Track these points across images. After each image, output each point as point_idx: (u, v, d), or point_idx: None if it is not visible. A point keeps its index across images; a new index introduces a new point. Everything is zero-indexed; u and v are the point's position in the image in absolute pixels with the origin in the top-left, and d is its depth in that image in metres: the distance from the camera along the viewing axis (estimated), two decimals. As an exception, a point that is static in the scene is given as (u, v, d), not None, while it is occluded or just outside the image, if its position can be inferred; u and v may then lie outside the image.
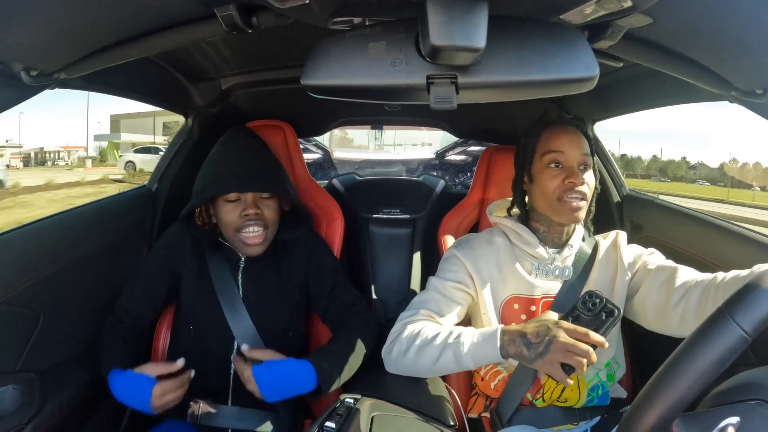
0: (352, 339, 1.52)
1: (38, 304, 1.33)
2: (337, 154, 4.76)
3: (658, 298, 1.33)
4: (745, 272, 1.11)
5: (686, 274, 1.30)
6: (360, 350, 1.51)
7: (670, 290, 1.29)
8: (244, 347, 1.41)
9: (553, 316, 1.22)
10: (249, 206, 1.48)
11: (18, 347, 1.28)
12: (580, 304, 1.21)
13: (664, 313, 1.30)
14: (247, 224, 1.47)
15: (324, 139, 4.52)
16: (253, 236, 1.48)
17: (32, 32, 0.88)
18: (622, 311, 1.18)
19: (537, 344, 1.16)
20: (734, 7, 0.81)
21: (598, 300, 1.20)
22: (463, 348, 1.26)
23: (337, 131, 5.42)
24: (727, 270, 1.18)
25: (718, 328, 0.61)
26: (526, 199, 1.50)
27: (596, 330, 1.14)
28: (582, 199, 1.35)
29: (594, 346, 1.11)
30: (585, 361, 1.10)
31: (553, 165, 1.38)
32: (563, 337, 1.13)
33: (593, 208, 1.45)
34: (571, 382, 1.14)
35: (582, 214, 1.36)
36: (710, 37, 0.93)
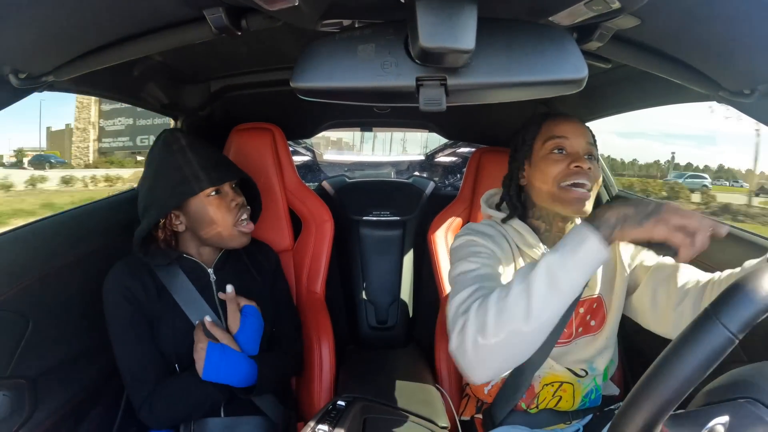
0: (290, 359, 1.59)
1: (28, 309, 1.32)
2: (327, 156, 4.76)
3: (659, 298, 1.27)
4: (737, 270, 1.10)
5: (686, 273, 1.24)
6: (290, 370, 1.63)
7: (671, 291, 1.23)
8: (208, 319, 1.41)
9: None
10: (235, 196, 1.47)
11: (7, 353, 1.27)
12: None
13: (664, 315, 1.25)
14: (239, 215, 1.47)
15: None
16: (247, 224, 1.49)
17: (20, 35, 0.88)
18: None
19: (644, 212, 0.91)
20: (721, 8, 0.81)
21: None
22: (558, 273, 0.95)
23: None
24: (719, 268, 1.18)
25: (704, 330, 0.61)
26: (522, 196, 1.41)
27: None
28: (589, 189, 1.25)
29: None
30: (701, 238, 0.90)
31: (556, 151, 1.29)
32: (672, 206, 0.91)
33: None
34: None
35: (589, 207, 1.25)
36: (698, 39, 0.94)
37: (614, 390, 1.51)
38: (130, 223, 1.40)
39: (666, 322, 1.24)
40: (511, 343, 0.97)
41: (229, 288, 1.44)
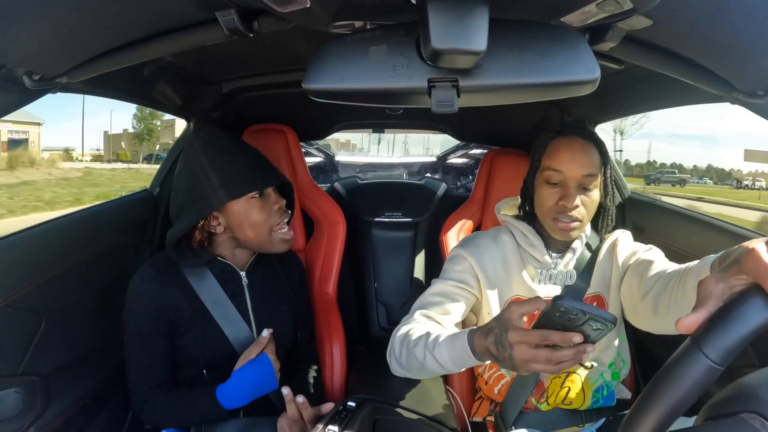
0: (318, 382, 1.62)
1: (40, 307, 1.33)
2: (339, 157, 4.76)
3: (633, 291, 1.30)
4: (696, 263, 1.06)
5: (658, 267, 1.25)
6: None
7: (642, 283, 1.25)
8: (300, 399, 1.35)
9: (515, 320, 1.01)
10: (278, 199, 1.46)
11: (20, 350, 1.28)
12: (555, 315, 0.91)
13: (637, 307, 1.27)
14: (281, 219, 1.45)
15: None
16: (287, 231, 1.47)
17: (34, 36, 0.89)
18: (615, 319, 0.89)
19: (503, 360, 1.02)
20: (735, 8, 0.81)
21: (575, 315, 0.89)
22: (442, 357, 1.17)
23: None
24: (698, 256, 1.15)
25: (686, 359, 0.60)
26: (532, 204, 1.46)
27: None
28: (575, 221, 1.31)
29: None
30: (562, 365, 0.97)
31: (550, 182, 1.34)
32: (519, 353, 0.97)
33: (612, 215, 1.44)
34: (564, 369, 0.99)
35: (575, 233, 1.35)
36: (711, 39, 0.93)
37: (627, 394, 1.51)
38: (143, 223, 1.41)
39: (638, 313, 1.29)
40: (418, 374, 1.34)
41: (265, 332, 1.40)
